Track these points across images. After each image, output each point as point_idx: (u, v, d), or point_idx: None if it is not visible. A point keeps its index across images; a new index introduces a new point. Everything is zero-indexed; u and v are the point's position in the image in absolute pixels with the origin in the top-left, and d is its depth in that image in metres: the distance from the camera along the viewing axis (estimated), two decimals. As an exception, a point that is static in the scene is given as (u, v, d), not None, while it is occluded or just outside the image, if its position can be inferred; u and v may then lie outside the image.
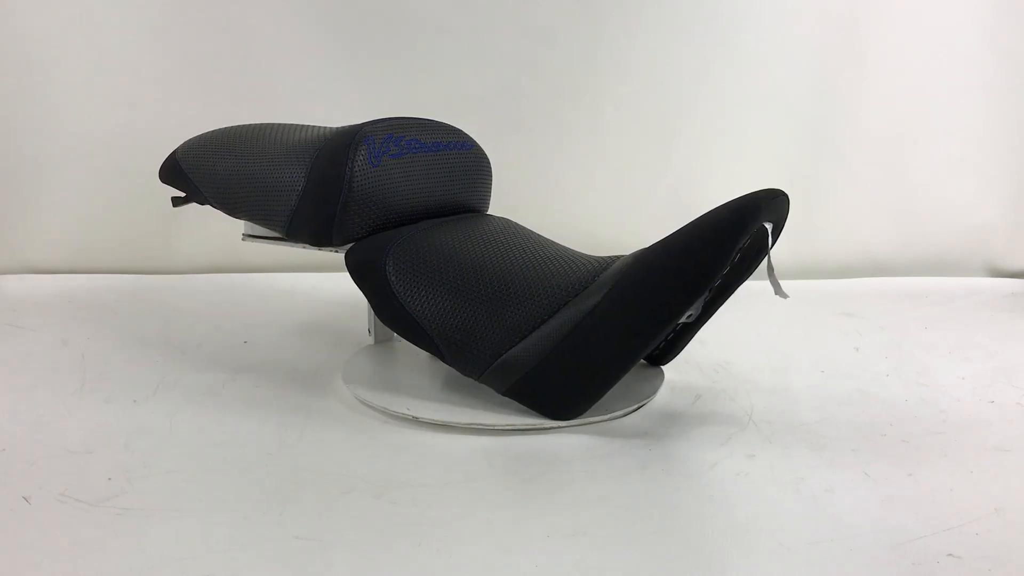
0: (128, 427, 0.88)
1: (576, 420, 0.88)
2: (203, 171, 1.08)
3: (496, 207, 1.58)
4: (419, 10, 1.50)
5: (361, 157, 0.96)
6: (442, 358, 0.91)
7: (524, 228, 1.05)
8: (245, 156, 1.04)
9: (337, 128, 1.04)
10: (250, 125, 1.12)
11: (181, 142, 1.15)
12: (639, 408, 0.93)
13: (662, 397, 0.98)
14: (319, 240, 0.98)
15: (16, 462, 0.80)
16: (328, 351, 1.13)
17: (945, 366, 1.10)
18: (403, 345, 1.10)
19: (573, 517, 0.71)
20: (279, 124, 1.12)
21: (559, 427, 0.88)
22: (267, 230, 1.08)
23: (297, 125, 1.11)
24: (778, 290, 0.86)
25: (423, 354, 1.06)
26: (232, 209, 1.05)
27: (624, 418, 0.91)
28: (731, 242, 0.79)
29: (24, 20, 1.47)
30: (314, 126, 1.10)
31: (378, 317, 0.95)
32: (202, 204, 1.12)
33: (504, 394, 0.89)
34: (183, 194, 1.14)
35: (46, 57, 1.48)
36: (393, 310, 0.92)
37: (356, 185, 0.95)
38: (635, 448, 0.84)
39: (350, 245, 0.98)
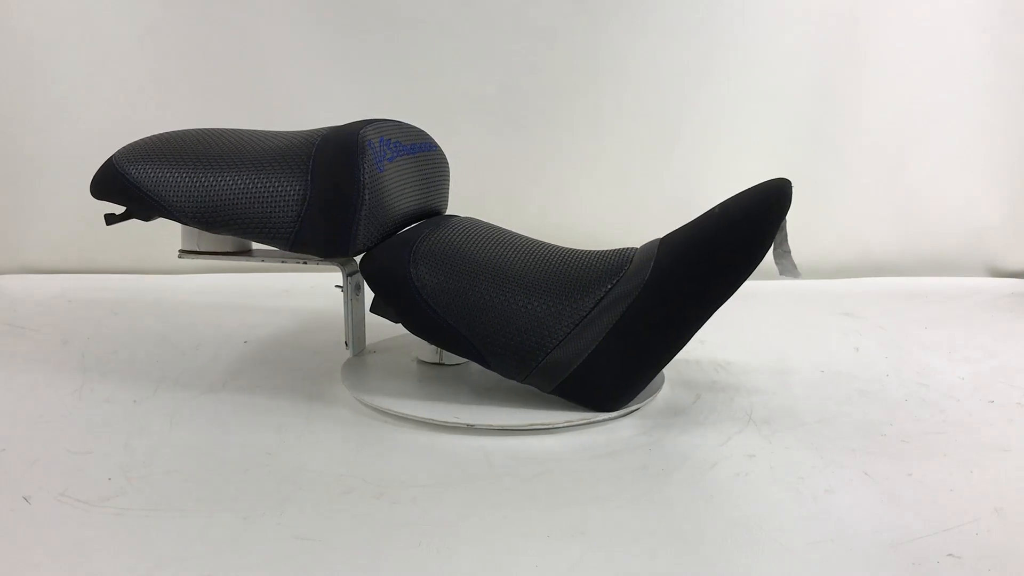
0: (128, 427, 0.88)
1: (575, 420, 0.88)
2: (168, 185, 0.96)
3: (496, 207, 1.58)
4: (419, 10, 1.50)
5: (369, 161, 0.92)
6: (484, 364, 0.90)
7: (505, 228, 1.05)
8: (224, 167, 0.95)
9: (320, 131, 0.99)
10: (198, 131, 1.03)
11: (206, 130, 1.06)
12: (639, 408, 0.93)
13: (662, 397, 0.98)
14: (332, 251, 0.92)
15: (16, 462, 0.80)
16: (327, 351, 1.13)
17: (945, 366, 1.10)
18: (397, 347, 1.10)
19: (573, 517, 0.71)
20: (231, 130, 1.04)
21: (559, 427, 0.88)
22: (209, 244, 1.02)
23: (253, 131, 1.04)
24: (789, 270, 0.88)
25: (413, 353, 1.05)
26: (213, 224, 0.95)
27: (624, 418, 0.91)
28: (774, 226, 0.84)
29: (24, 20, 1.47)
30: (278, 131, 1.03)
31: (408, 328, 0.92)
32: (146, 220, 1.02)
33: (551, 392, 0.90)
34: (121, 208, 1.02)
35: (46, 57, 1.48)
36: (428, 320, 0.89)
37: (369, 191, 0.91)
38: (635, 448, 0.84)
39: (321, 256, 0.95)
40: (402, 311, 0.91)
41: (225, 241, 1.04)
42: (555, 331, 0.87)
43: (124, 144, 1.08)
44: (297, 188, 0.92)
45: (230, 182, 0.94)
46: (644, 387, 0.91)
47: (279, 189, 0.93)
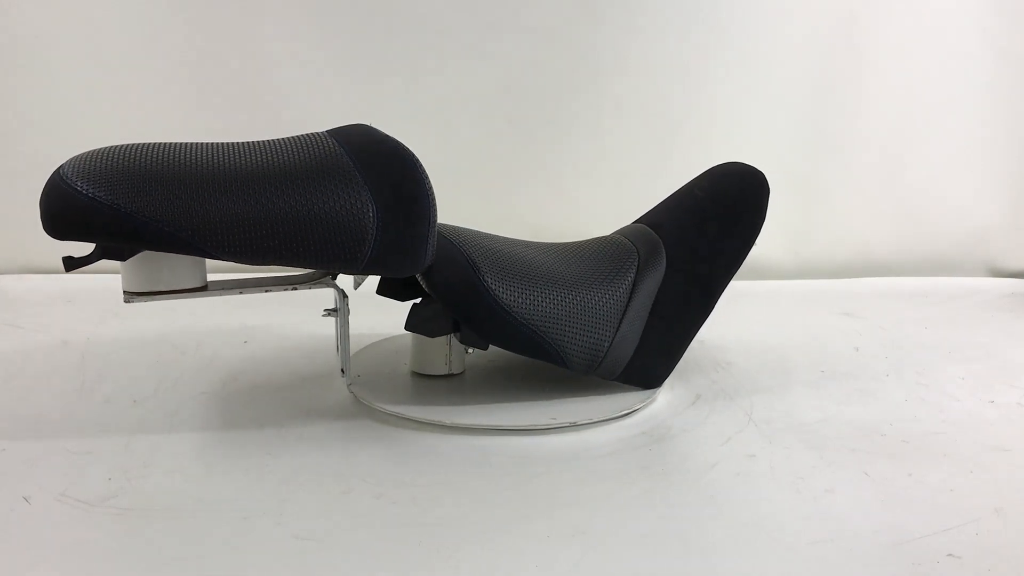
0: (128, 427, 0.88)
1: (575, 420, 0.89)
2: (198, 217, 0.77)
3: (495, 207, 1.58)
4: (419, 10, 1.50)
5: (423, 168, 0.85)
6: (563, 364, 0.90)
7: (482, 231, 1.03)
8: (264, 187, 0.80)
9: (319, 137, 0.89)
10: (165, 146, 0.85)
11: (179, 143, 0.90)
12: (639, 409, 0.93)
13: (662, 397, 0.98)
14: (413, 269, 0.85)
15: (16, 462, 0.80)
16: (328, 351, 1.13)
17: (945, 366, 1.10)
18: (396, 345, 1.10)
19: (573, 517, 0.71)
20: (202, 144, 0.88)
21: (558, 427, 0.88)
22: (171, 282, 0.86)
23: (218, 144, 0.90)
24: None
25: (408, 351, 1.05)
26: (262, 257, 0.80)
27: (624, 418, 0.91)
28: (765, 202, 0.97)
29: (24, 20, 1.47)
30: (250, 142, 0.91)
31: (482, 337, 0.89)
32: (123, 260, 0.83)
33: (616, 379, 0.95)
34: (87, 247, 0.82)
35: (46, 57, 1.48)
36: (508, 326, 0.87)
37: (433, 199, 0.85)
38: (635, 448, 0.84)
39: (392, 276, 0.90)
40: (478, 321, 0.88)
41: (189, 275, 0.88)
42: (611, 321, 0.90)
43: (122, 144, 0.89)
44: (362, 205, 0.81)
45: (283, 206, 0.79)
46: (679, 359, 0.98)
47: (346, 208, 0.81)
